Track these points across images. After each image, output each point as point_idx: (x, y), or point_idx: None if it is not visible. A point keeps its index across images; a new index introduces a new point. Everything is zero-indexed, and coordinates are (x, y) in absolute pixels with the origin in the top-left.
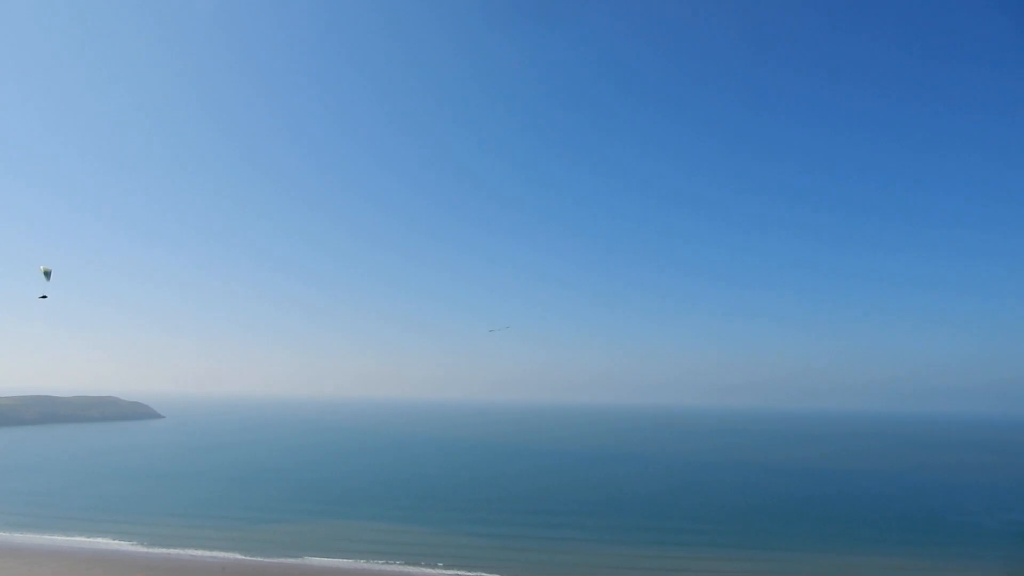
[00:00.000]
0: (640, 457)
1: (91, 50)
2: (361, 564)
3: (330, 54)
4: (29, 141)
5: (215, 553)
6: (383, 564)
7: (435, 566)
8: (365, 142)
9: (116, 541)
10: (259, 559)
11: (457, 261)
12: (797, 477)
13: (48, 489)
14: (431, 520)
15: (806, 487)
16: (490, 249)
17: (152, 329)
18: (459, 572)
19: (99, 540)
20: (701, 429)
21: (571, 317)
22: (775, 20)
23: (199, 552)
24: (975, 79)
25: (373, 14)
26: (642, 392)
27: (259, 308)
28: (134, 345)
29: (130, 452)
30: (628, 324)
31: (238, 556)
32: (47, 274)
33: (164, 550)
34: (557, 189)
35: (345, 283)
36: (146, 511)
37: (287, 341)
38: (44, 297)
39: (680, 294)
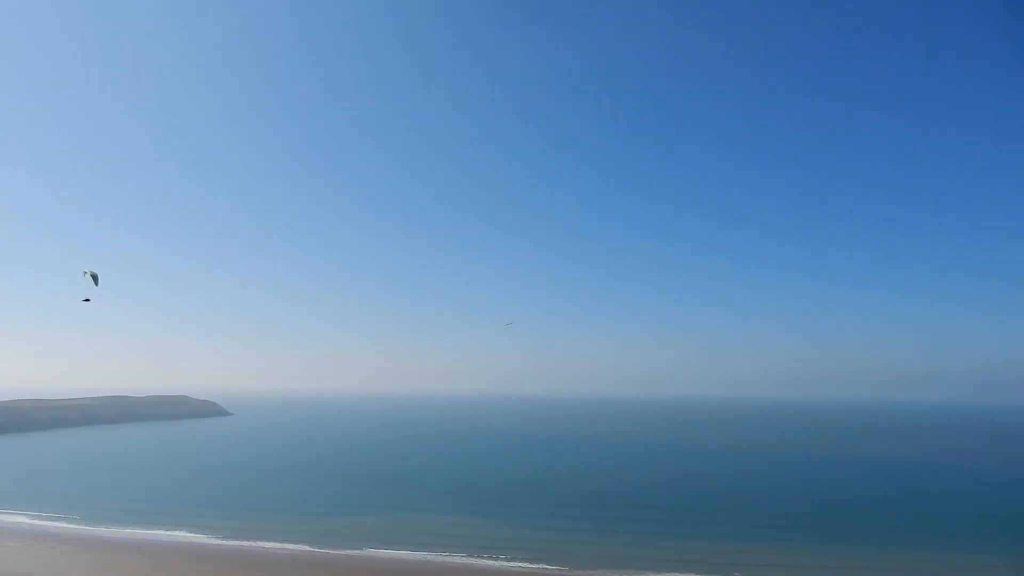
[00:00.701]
0: (714, 452)
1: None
2: (423, 556)
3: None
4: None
5: (285, 545)
6: (446, 556)
7: (497, 558)
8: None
9: (192, 534)
10: (327, 551)
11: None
12: (880, 472)
13: (127, 485)
14: (494, 514)
15: (890, 482)
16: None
17: (218, 331)
18: (521, 564)
19: (177, 533)
20: (776, 422)
21: (645, 312)
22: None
23: (270, 544)
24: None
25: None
26: (718, 385)
27: (313, 312)
28: (202, 346)
29: (202, 448)
30: (704, 317)
31: (307, 548)
32: (95, 278)
33: (237, 542)
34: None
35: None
36: (219, 505)
37: (337, 342)
38: (87, 300)
39: (757, 285)
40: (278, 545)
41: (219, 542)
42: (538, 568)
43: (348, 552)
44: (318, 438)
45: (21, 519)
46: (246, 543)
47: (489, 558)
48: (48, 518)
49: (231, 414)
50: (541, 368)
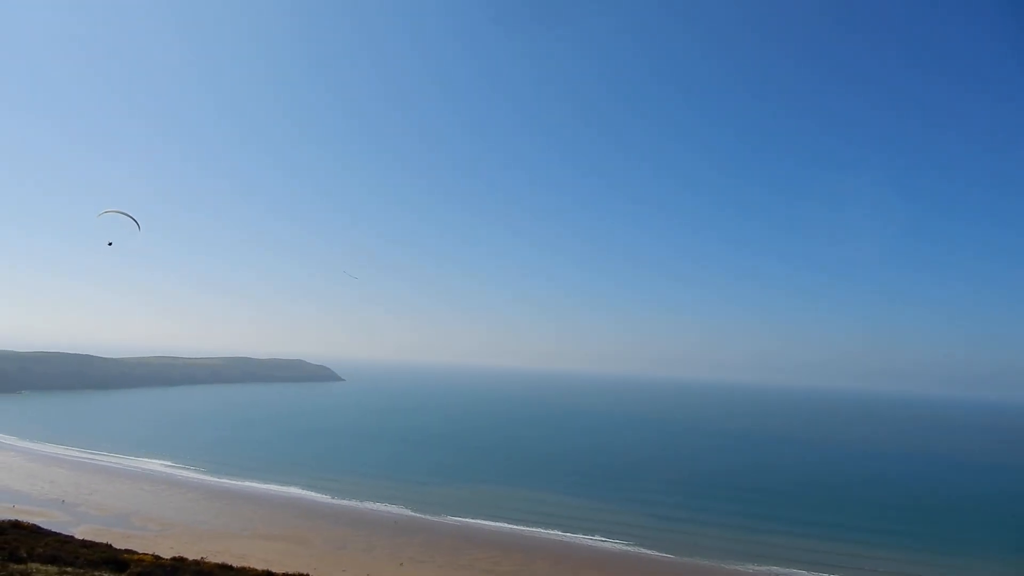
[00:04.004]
0: (813, 442)
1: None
2: (521, 528)
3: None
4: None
5: (389, 508)
6: (542, 530)
7: (592, 536)
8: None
9: (304, 491)
10: (426, 516)
11: None
12: (965, 472)
13: (248, 440)
14: (596, 494)
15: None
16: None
17: (334, 302)
18: (616, 543)
19: (291, 489)
20: (878, 415)
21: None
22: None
23: (375, 505)
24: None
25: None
26: (795, 373)
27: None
28: (319, 316)
29: (315, 410)
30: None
31: (408, 512)
32: (136, 222)
33: (344, 501)
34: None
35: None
36: (328, 465)
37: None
38: (110, 244)
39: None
40: (381, 507)
41: (328, 500)
42: (634, 551)
43: (446, 519)
44: (421, 406)
45: (156, 466)
46: (352, 503)
47: (584, 535)
48: (179, 467)
49: (343, 379)
50: (630, 347)
